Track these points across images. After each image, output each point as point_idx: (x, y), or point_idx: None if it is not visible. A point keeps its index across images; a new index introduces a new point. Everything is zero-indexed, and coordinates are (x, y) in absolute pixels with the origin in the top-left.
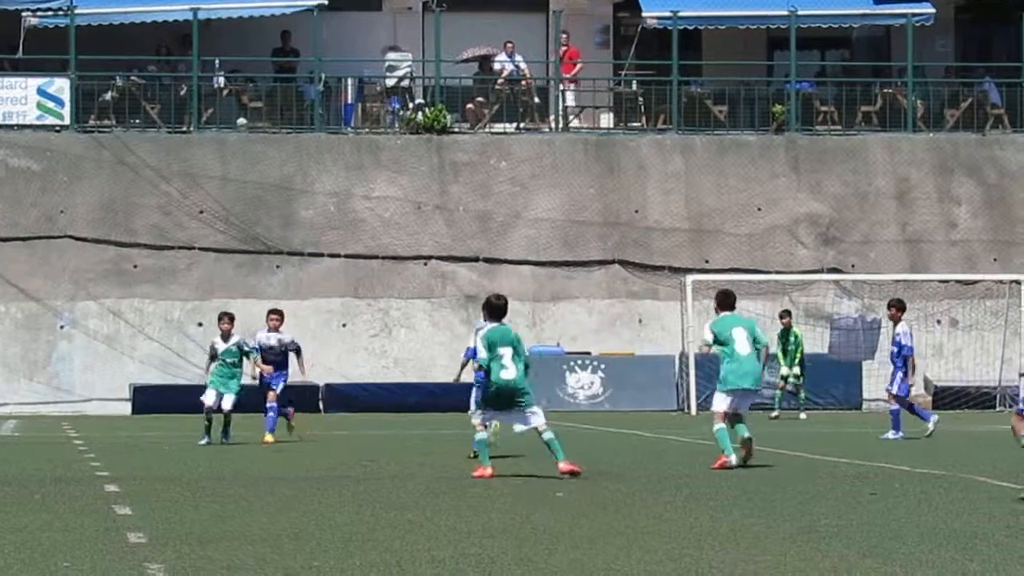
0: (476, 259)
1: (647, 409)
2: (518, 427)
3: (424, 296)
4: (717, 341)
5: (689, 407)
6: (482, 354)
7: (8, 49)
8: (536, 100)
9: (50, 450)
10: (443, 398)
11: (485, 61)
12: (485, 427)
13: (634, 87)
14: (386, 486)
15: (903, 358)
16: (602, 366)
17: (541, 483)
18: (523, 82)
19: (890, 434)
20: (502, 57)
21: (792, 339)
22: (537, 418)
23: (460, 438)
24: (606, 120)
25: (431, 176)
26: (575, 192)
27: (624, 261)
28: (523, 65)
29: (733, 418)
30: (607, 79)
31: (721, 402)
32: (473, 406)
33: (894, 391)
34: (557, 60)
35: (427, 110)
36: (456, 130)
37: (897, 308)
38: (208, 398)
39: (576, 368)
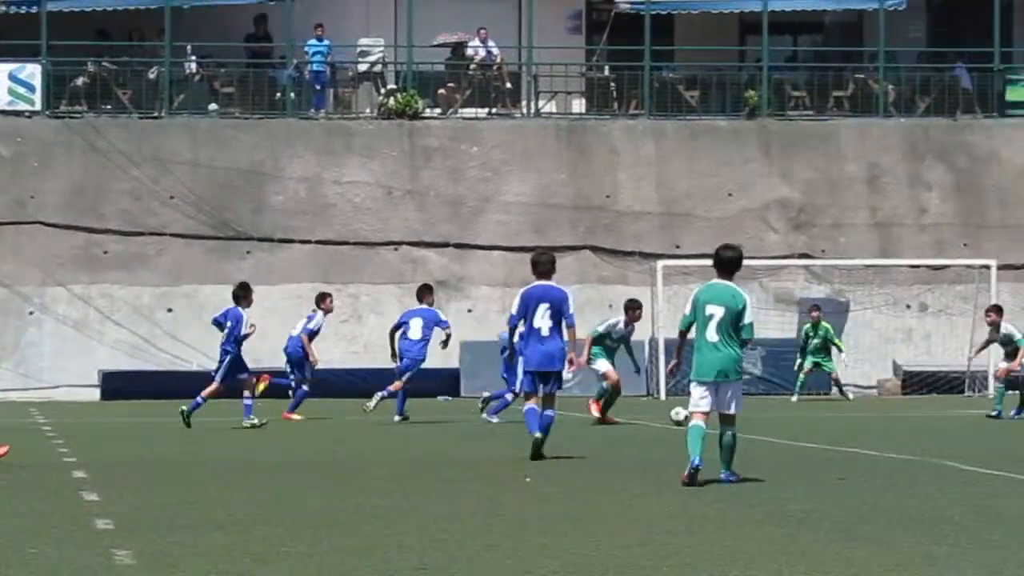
0: (446, 244)
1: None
2: None
3: (393, 281)
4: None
5: (659, 392)
6: None
7: None
8: (508, 86)
9: (18, 436)
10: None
11: (458, 47)
12: None
13: (606, 72)
14: (354, 472)
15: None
16: None
17: (509, 468)
18: (495, 68)
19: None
20: (475, 43)
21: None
22: None
23: (433, 423)
24: (578, 106)
25: (402, 161)
26: (546, 177)
27: (595, 247)
28: (496, 51)
29: None
30: (579, 64)
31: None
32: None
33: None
34: (529, 46)
35: (399, 95)
36: (427, 115)
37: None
38: None
39: None
